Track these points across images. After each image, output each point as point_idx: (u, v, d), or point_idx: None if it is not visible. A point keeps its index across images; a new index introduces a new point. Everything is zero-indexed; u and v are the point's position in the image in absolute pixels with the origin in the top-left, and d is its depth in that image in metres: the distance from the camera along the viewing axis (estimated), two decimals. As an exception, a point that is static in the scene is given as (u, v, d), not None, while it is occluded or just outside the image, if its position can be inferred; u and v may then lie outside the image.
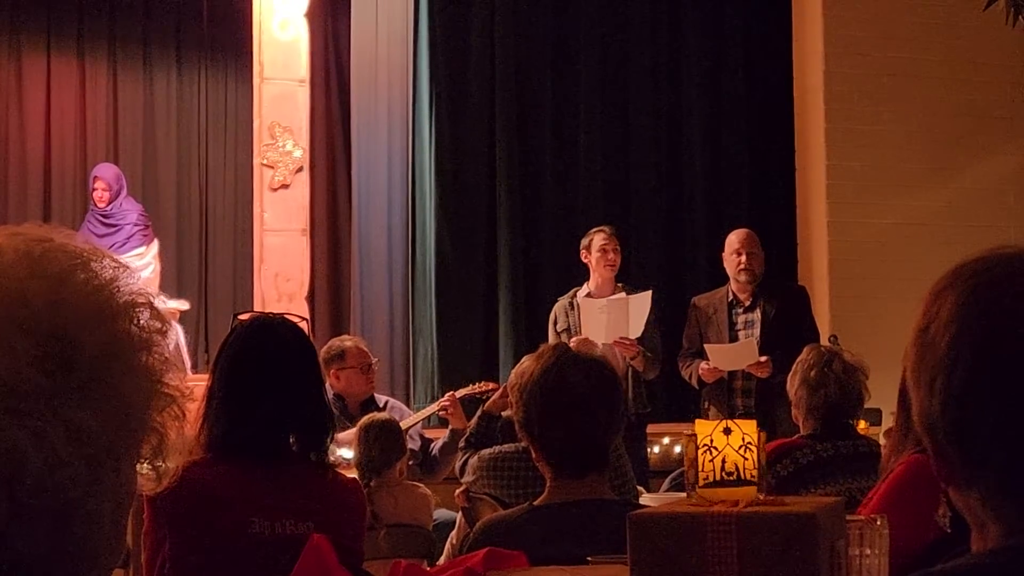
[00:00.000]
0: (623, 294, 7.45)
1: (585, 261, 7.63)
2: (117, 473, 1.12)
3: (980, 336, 1.30)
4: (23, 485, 1.05)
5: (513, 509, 3.32)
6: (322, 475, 3.16)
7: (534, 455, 3.05)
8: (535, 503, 3.03)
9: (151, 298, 1.18)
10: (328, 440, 3.19)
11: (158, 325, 1.17)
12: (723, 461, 2.24)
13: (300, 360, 3.16)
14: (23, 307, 1.08)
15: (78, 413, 1.07)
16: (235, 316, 3.33)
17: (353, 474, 5.58)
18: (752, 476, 2.21)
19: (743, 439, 2.22)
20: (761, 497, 2.20)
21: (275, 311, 4.45)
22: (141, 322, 1.15)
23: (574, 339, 7.29)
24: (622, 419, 3.06)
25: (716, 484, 2.23)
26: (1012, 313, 1.30)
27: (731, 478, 2.23)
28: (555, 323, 7.62)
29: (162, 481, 1.19)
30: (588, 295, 7.56)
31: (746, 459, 2.22)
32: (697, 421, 2.32)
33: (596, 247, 7.56)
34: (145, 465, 1.16)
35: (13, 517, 1.05)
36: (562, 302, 7.62)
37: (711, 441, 2.25)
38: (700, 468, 2.25)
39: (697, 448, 2.26)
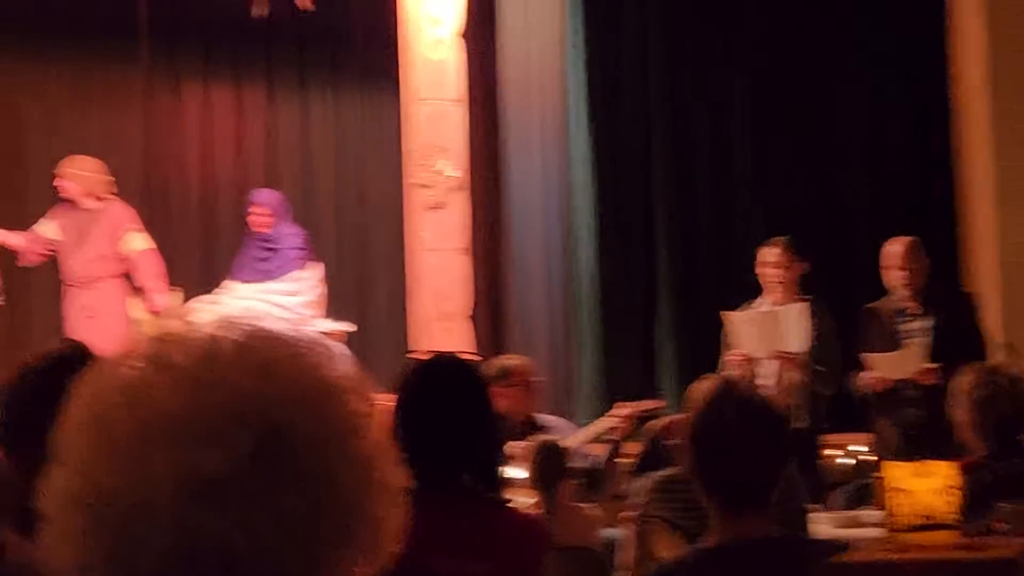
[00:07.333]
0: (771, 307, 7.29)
1: None
2: (331, 563, 1.11)
3: None
4: (235, 573, 1.04)
5: (682, 553, 3.30)
6: (499, 511, 3.16)
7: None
8: (702, 546, 3.01)
9: (357, 382, 1.18)
10: (501, 477, 3.20)
11: (365, 409, 1.16)
12: (917, 504, 2.17)
13: (475, 401, 3.20)
14: (238, 399, 1.08)
15: (287, 499, 1.07)
16: (408, 354, 3.36)
17: (522, 495, 5.57)
18: (954, 520, 2.14)
19: (943, 481, 2.15)
20: (965, 541, 2.13)
21: (447, 350, 4.51)
22: (349, 407, 1.15)
23: (729, 354, 7.17)
24: (785, 458, 3.02)
25: (912, 529, 2.17)
26: None
27: (927, 522, 2.17)
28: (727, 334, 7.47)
29: (375, 570, 1.17)
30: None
31: (946, 502, 2.15)
32: (885, 464, 2.26)
33: (759, 261, 7.43)
34: (360, 555, 1.15)
35: None
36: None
37: (903, 484, 2.18)
38: (891, 512, 2.19)
39: (886, 491, 2.19)
